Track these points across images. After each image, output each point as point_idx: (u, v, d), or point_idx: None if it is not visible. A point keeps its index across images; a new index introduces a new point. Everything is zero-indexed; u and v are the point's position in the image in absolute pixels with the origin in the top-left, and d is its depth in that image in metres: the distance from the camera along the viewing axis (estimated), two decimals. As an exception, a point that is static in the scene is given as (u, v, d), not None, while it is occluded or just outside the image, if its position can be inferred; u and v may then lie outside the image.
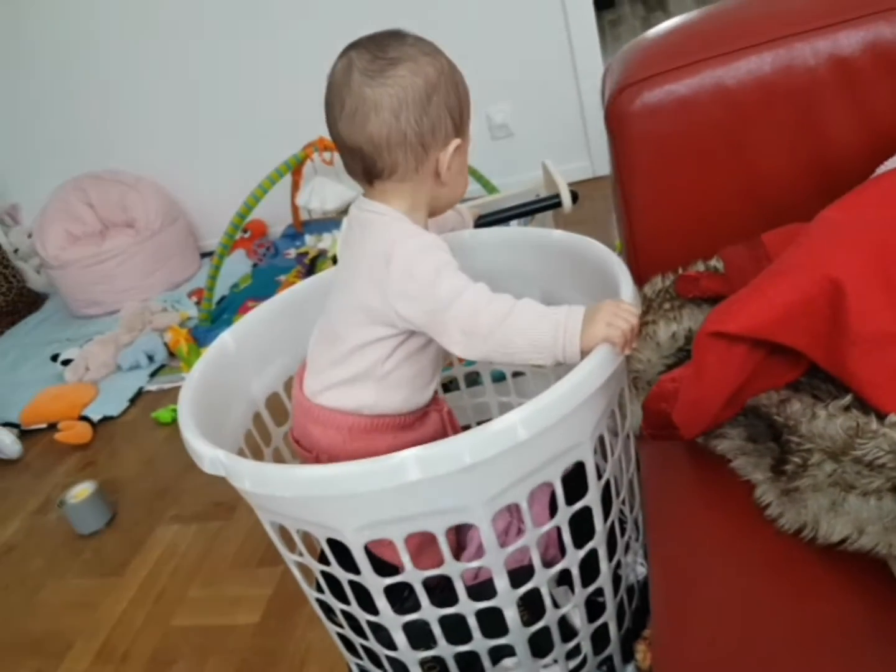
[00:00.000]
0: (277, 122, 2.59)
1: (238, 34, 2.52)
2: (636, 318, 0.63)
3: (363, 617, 0.70)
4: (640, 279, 0.89)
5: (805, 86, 0.80)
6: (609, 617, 0.77)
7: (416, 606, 0.68)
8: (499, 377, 1.16)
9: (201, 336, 2.14)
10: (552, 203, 1.18)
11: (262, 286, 2.37)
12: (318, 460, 0.78)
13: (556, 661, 0.75)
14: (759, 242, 0.70)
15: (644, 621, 0.85)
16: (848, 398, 0.55)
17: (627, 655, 0.84)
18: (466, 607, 0.67)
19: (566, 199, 1.16)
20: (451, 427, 0.87)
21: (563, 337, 0.63)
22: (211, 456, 0.65)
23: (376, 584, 0.66)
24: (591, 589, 0.72)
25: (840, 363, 0.55)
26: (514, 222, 1.25)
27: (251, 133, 2.66)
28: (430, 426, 0.84)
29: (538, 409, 0.58)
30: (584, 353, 0.63)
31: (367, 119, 0.68)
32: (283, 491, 0.61)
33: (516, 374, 1.13)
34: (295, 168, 2.19)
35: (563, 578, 0.79)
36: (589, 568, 0.72)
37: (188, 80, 2.63)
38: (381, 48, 0.69)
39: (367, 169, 0.71)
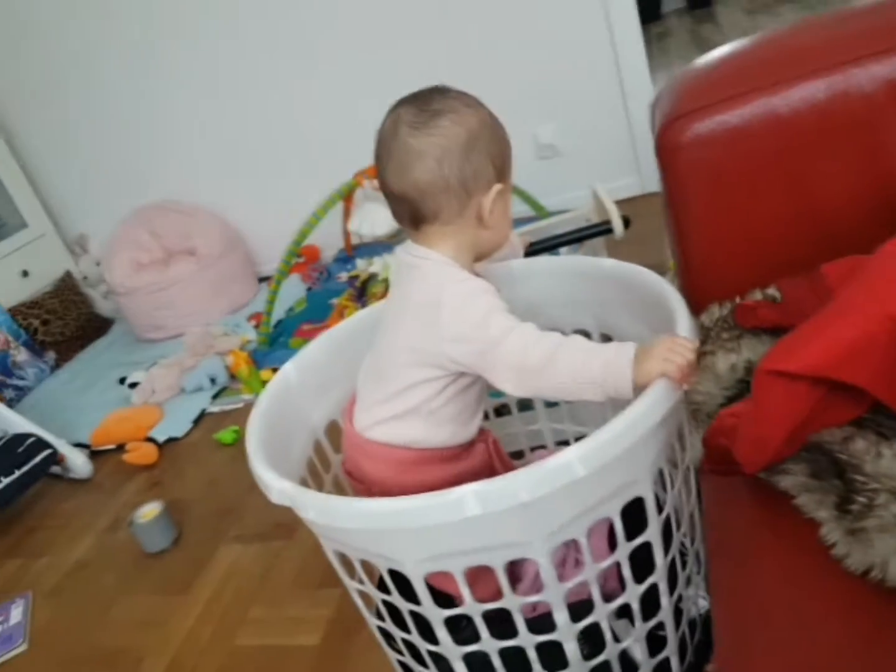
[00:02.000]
0: (328, 152, 2.67)
1: (291, 70, 2.61)
2: (693, 352, 0.64)
3: (423, 646, 0.72)
4: (694, 306, 0.88)
5: (862, 112, 0.79)
6: (671, 651, 0.76)
7: (474, 636, 0.69)
8: (552, 402, 1.16)
9: (260, 359, 2.21)
10: (603, 230, 1.18)
11: (316, 309, 2.43)
12: (370, 492, 0.81)
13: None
14: (819, 274, 0.69)
15: (707, 655, 0.84)
16: (914, 436, 0.55)
17: (690, 689, 0.83)
18: (526, 640, 0.68)
19: (618, 225, 1.16)
20: (497, 457, 0.89)
21: (612, 375, 0.64)
22: (279, 487, 0.68)
23: (437, 616, 0.67)
24: (652, 623, 0.72)
25: (904, 401, 0.54)
26: (563, 249, 1.26)
27: (303, 163, 2.74)
28: (478, 457, 0.86)
29: (596, 446, 0.59)
30: (640, 389, 0.64)
31: (413, 167, 0.72)
32: (346, 523, 0.63)
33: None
34: (346, 195, 2.24)
35: (624, 611, 0.79)
36: (650, 602, 0.72)
37: (245, 115, 2.73)
38: (426, 102, 0.73)
39: (413, 214, 0.75)
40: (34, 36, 2.75)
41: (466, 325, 0.70)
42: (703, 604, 0.84)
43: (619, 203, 1.23)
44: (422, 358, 0.75)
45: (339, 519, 0.64)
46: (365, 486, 0.82)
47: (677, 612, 0.75)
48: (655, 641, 0.75)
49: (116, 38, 2.69)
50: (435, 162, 0.71)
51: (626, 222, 1.15)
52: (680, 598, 0.76)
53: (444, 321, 0.71)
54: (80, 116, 2.88)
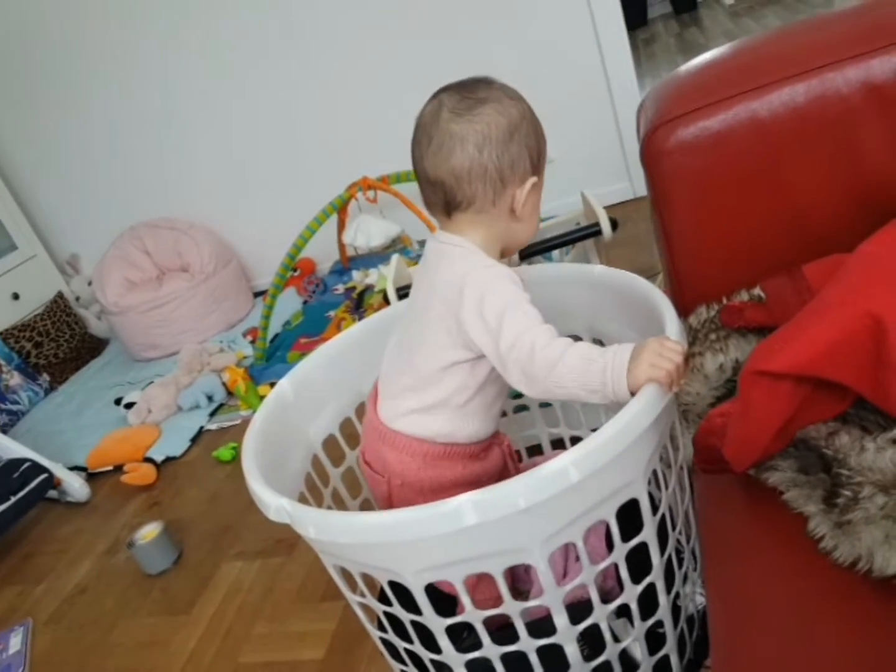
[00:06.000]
0: (321, 164, 2.69)
1: (281, 82, 2.63)
2: (681, 356, 0.65)
3: (426, 655, 0.72)
4: (683, 308, 0.90)
5: (840, 115, 0.81)
6: (670, 649, 0.77)
7: (476, 643, 0.70)
8: (545, 403, 1.17)
9: (257, 374, 2.22)
10: (592, 231, 1.20)
11: (313, 323, 2.44)
12: (389, 484, 0.82)
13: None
14: (800, 275, 0.71)
15: (706, 651, 0.85)
16: (897, 430, 0.56)
17: (690, 686, 0.84)
18: (527, 644, 0.68)
19: (606, 227, 1.18)
20: (510, 459, 0.90)
21: (610, 380, 0.65)
22: (276, 505, 0.68)
23: (438, 625, 0.68)
24: (650, 622, 0.73)
25: (886, 395, 0.55)
26: (555, 252, 1.27)
27: (296, 176, 2.75)
28: (495, 459, 0.87)
29: (589, 451, 0.60)
30: (632, 393, 0.65)
31: (453, 152, 0.73)
32: (344, 537, 0.64)
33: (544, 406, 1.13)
34: (340, 207, 2.26)
35: (623, 611, 0.80)
36: (648, 601, 0.73)
37: (234, 129, 2.75)
38: (470, 90, 0.74)
39: (447, 201, 0.76)
40: (21, 54, 2.76)
41: (485, 312, 0.71)
42: (701, 600, 0.85)
43: (610, 208, 1.25)
44: (452, 339, 0.75)
45: (337, 534, 0.65)
46: (385, 478, 0.83)
47: (675, 610, 0.76)
48: (655, 639, 0.76)
49: (106, 57, 2.70)
50: (475, 148, 0.72)
51: (614, 224, 1.17)
52: (678, 596, 0.77)
53: (466, 304, 0.72)
54: (68, 135, 2.88)
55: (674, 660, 0.78)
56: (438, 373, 0.78)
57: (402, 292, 1.17)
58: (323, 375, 0.99)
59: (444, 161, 0.73)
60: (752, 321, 0.78)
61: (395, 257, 1.26)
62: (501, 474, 0.88)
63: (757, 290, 0.86)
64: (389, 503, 0.82)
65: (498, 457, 0.87)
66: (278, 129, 2.71)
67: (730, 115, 0.84)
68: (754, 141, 0.84)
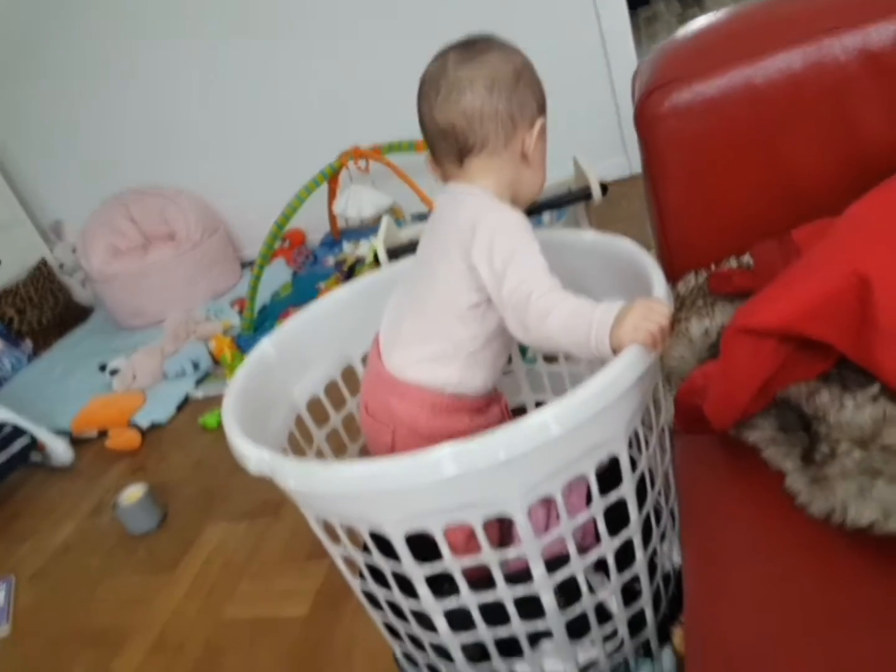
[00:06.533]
0: (312, 134, 2.66)
1: (273, 49, 2.59)
2: (666, 318, 0.65)
3: (405, 604, 0.73)
4: (673, 277, 0.90)
5: (836, 82, 0.81)
6: (645, 602, 0.78)
7: (455, 593, 0.71)
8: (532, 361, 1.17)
9: (244, 344, 2.21)
10: (583, 195, 1.20)
11: (302, 294, 2.43)
12: (394, 433, 0.82)
13: (593, 643, 0.77)
14: (789, 238, 0.71)
15: (681, 608, 0.86)
16: (876, 388, 0.56)
17: (664, 638, 0.85)
18: (504, 593, 0.69)
19: (596, 191, 1.18)
20: (508, 418, 0.91)
21: (594, 337, 0.65)
22: (256, 457, 0.68)
23: (417, 573, 0.69)
24: (626, 576, 0.74)
25: (868, 354, 0.56)
26: (545, 215, 1.27)
27: (287, 144, 2.72)
28: (495, 416, 0.89)
29: (571, 406, 0.60)
30: (616, 352, 0.65)
31: (463, 94, 0.75)
32: (325, 487, 0.64)
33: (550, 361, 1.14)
34: (331, 177, 2.24)
35: (600, 566, 0.81)
36: (625, 556, 0.74)
37: (224, 94, 2.71)
38: (472, 43, 0.77)
39: (459, 147, 0.77)
40: (1, 17, 2.70)
41: (494, 254, 0.72)
42: (677, 559, 0.86)
43: (607, 183, 1.24)
44: (466, 283, 0.76)
45: (318, 485, 0.65)
46: (389, 428, 0.83)
47: (651, 567, 0.77)
48: (630, 595, 0.77)
49: (89, 18, 2.65)
50: (485, 89, 0.74)
51: (604, 189, 1.17)
52: (654, 554, 0.78)
53: (477, 241, 0.73)
54: (51, 98, 2.83)
55: (648, 613, 0.80)
56: (452, 320, 0.79)
57: (393, 254, 1.16)
58: (308, 336, 0.99)
59: (454, 105, 0.75)
60: (740, 287, 0.78)
61: (385, 219, 1.25)
62: None
63: (746, 258, 0.86)
64: (391, 452, 0.83)
65: (497, 414, 0.88)
66: (269, 96, 2.68)
67: (725, 81, 0.84)
68: (749, 108, 0.84)
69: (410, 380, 0.82)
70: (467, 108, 0.75)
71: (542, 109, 0.80)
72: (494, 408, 0.88)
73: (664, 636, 0.86)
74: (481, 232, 0.74)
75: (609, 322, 0.65)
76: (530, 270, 0.71)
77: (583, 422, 0.61)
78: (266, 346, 0.93)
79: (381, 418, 0.84)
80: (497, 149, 0.77)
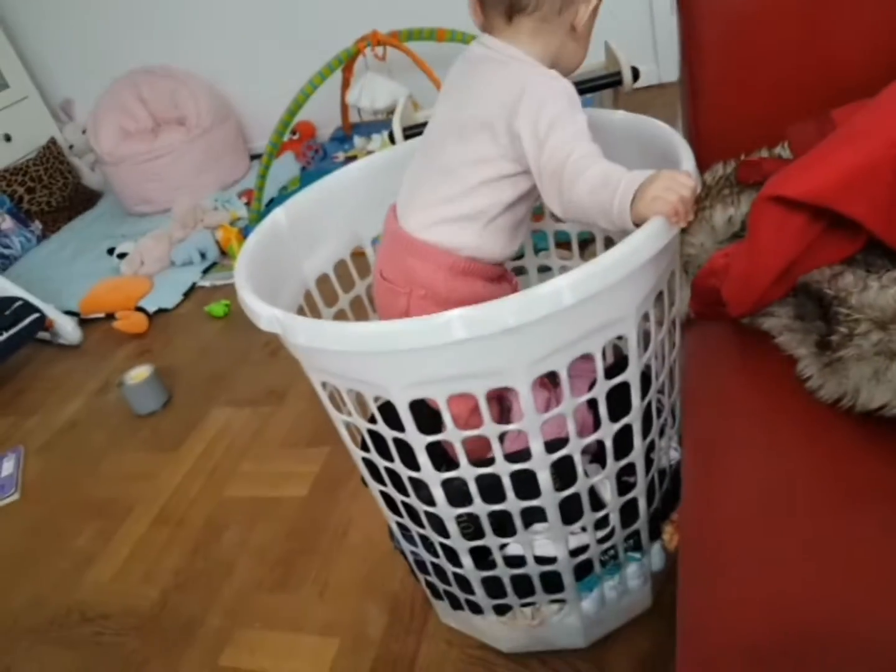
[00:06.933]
0: (328, 19, 2.54)
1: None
2: (689, 190, 0.62)
3: (405, 473, 0.74)
4: (701, 167, 0.86)
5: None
6: (639, 493, 0.79)
7: (454, 467, 0.72)
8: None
9: (251, 235, 2.18)
10: (612, 80, 1.15)
11: (310, 188, 2.38)
12: (410, 296, 0.81)
13: (584, 529, 0.79)
14: (827, 118, 0.67)
15: (673, 505, 0.88)
16: (902, 271, 0.55)
17: (655, 534, 0.87)
18: (502, 468, 0.70)
19: (627, 76, 1.13)
20: None
21: (617, 204, 0.63)
22: (268, 314, 0.67)
23: (419, 441, 0.69)
24: (622, 463, 0.74)
25: (899, 234, 0.54)
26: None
27: (302, 31, 2.61)
28: (507, 291, 0.87)
29: (586, 276, 0.58)
30: (637, 225, 0.63)
31: None
32: (335, 345, 0.63)
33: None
34: (346, 64, 2.15)
35: (597, 457, 0.81)
36: (623, 445, 0.74)
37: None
38: None
39: (512, 2, 0.73)
40: None
41: (539, 120, 0.70)
42: (675, 455, 0.86)
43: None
44: (501, 151, 0.74)
45: (329, 342, 0.64)
46: (406, 291, 0.82)
47: (648, 460, 0.77)
48: (625, 487, 0.78)
49: None
50: None
51: (636, 74, 1.11)
52: (652, 447, 0.78)
53: (523, 108, 0.70)
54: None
55: (641, 504, 0.81)
56: (478, 186, 0.77)
57: (409, 133, 1.12)
58: (321, 212, 0.96)
59: None
60: (770, 174, 0.75)
61: (402, 99, 1.20)
62: None
63: (778, 150, 0.83)
64: (405, 316, 0.82)
65: (508, 291, 0.87)
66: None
67: (771, -43, 0.78)
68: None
69: (429, 239, 0.80)
70: None
71: None
72: (506, 285, 0.87)
73: (655, 533, 0.87)
74: (529, 98, 0.71)
75: (633, 189, 0.62)
76: (574, 134, 0.69)
77: (596, 293, 0.59)
78: (279, 215, 0.90)
79: (397, 282, 0.83)
80: (550, 14, 0.73)
